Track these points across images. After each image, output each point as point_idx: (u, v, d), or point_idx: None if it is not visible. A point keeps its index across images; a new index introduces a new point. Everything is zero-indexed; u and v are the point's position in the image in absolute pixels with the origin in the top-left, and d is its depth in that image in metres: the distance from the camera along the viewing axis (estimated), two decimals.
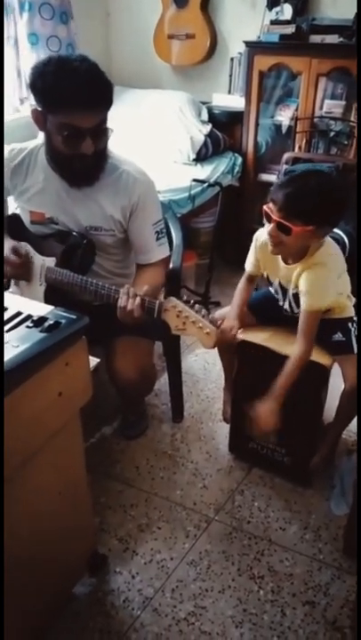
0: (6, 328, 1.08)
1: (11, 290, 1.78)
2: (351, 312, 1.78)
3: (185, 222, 2.70)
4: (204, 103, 3.26)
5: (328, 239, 1.66)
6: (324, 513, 1.80)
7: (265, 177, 3.23)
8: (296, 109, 3.01)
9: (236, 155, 3.20)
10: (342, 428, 1.89)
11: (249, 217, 3.24)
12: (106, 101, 1.49)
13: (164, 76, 3.49)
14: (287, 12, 2.86)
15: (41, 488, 1.20)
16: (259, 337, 1.80)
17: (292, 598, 1.55)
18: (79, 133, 1.47)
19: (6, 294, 1.26)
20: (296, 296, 1.70)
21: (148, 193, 1.67)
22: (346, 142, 2.89)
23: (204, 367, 2.51)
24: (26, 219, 1.74)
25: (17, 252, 1.67)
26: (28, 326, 1.08)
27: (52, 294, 1.66)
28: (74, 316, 1.12)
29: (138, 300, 1.43)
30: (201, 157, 3.04)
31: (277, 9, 2.88)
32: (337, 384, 1.78)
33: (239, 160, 3.20)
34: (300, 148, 2.95)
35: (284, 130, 3.16)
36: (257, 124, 3.10)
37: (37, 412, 1.07)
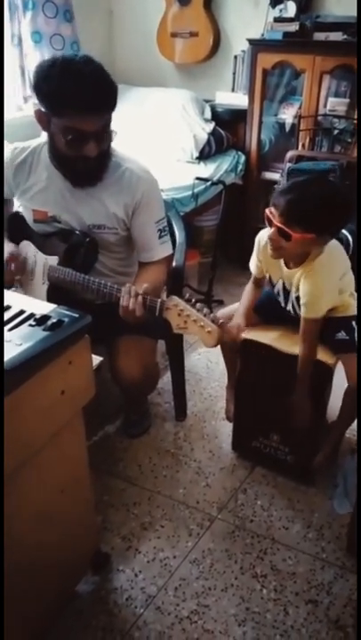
0: (9, 326, 1.08)
1: (14, 288, 1.78)
2: (355, 310, 1.77)
3: (188, 221, 2.70)
4: (207, 101, 3.26)
5: (332, 240, 1.66)
6: (327, 512, 1.79)
7: (268, 175, 3.22)
8: (300, 107, 3.00)
9: (240, 153, 3.20)
10: (346, 427, 1.88)
11: (252, 215, 3.24)
12: (110, 104, 1.49)
13: (167, 74, 3.49)
14: (291, 9, 2.85)
15: (43, 486, 1.20)
16: (262, 336, 1.80)
17: (295, 597, 1.54)
18: (83, 137, 1.47)
19: (9, 293, 1.26)
20: (298, 298, 1.70)
21: (152, 191, 1.67)
22: (350, 140, 2.88)
23: (207, 366, 2.51)
24: (29, 217, 1.74)
25: (13, 258, 1.67)
26: (30, 325, 1.08)
27: (55, 293, 1.66)
28: (76, 315, 1.12)
29: (139, 298, 1.43)
30: (204, 156, 3.04)
31: (281, 6, 2.88)
32: (340, 383, 1.78)
33: (242, 158, 3.19)
34: (303, 146, 2.94)
35: (287, 128, 3.16)
36: (260, 122, 3.10)
37: (40, 410, 1.08)
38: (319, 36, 2.76)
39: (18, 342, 1.02)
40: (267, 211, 1.57)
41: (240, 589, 1.56)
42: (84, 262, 1.66)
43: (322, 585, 1.58)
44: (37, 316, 1.10)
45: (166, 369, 2.22)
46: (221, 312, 1.94)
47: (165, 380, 2.25)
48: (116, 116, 1.53)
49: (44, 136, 1.63)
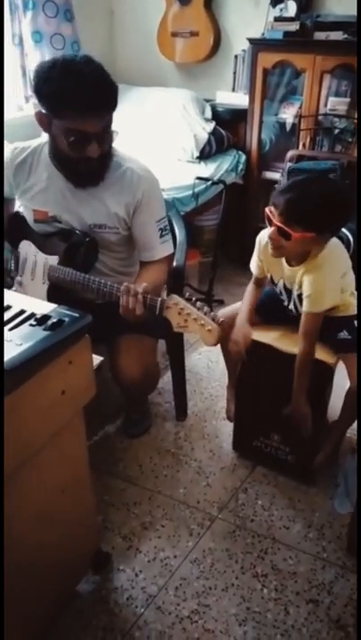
0: (10, 326, 1.08)
1: (14, 288, 1.78)
2: (356, 310, 1.77)
3: (189, 220, 2.70)
4: (207, 101, 3.26)
5: (333, 239, 1.66)
6: (327, 511, 1.79)
7: (269, 175, 3.22)
8: (300, 107, 3.00)
9: (240, 152, 3.20)
10: (347, 427, 1.88)
11: (253, 215, 3.24)
12: (111, 104, 1.49)
13: (167, 73, 3.48)
14: (291, 8, 2.85)
15: (44, 486, 1.20)
16: (263, 336, 1.80)
17: (296, 597, 1.54)
18: (85, 138, 1.47)
19: (9, 293, 1.26)
20: (300, 297, 1.70)
21: (153, 190, 1.67)
22: (350, 140, 2.88)
23: (207, 365, 2.51)
24: (29, 217, 1.74)
25: None
26: (31, 324, 1.08)
27: (55, 293, 1.66)
28: (77, 315, 1.12)
29: (139, 297, 1.43)
30: (205, 155, 3.04)
31: (281, 6, 2.88)
32: (341, 383, 1.78)
33: (243, 158, 3.19)
34: (304, 145, 2.94)
35: (288, 127, 3.15)
36: (261, 122, 3.10)
37: (40, 410, 1.08)
38: (320, 35, 2.76)
39: (18, 342, 1.02)
40: (266, 210, 1.57)
41: (241, 589, 1.56)
42: (84, 262, 1.66)
43: (323, 585, 1.57)
44: (38, 316, 1.10)
45: (167, 368, 2.22)
46: (222, 311, 1.94)
47: (166, 380, 2.25)
48: (116, 115, 1.53)
49: (44, 136, 1.63)
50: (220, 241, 2.98)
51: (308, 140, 2.93)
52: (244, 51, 3.14)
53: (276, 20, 2.88)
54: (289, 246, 1.55)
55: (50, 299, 1.61)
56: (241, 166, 3.17)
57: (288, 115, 3.13)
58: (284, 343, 1.76)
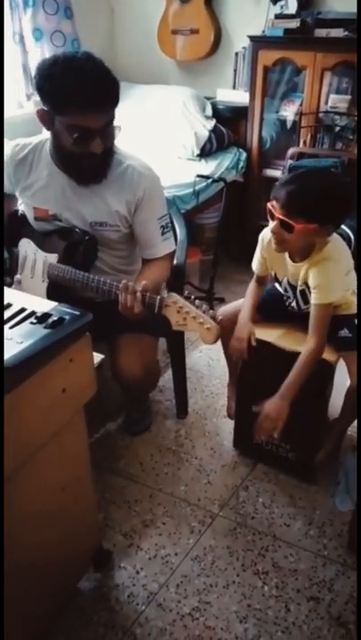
0: (10, 324, 1.08)
1: (14, 287, 1.78)
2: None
3: (189, 218, 2.70)
4: (208, 98, 3.25)
5: (335, 236, 1.65)
6: (328, 509, 1.79)
7: (270, 172, 3.22)
8: (301, 104, 2.99)
9: (241, 150, 3.19)
10: (347, 425, 1.89)
11: (253, 213, 3.23)
12: (113, 100, 1.49)
13: (168, 71, 3.48)
14: (292, 5, 2.84)
15: (45, 484, 1.21)
16: (264, 333, 1.80)
17: (297, 594, 1.55)
18: (89, 134, 1.47)
19: (10, 291, 1.26)
20: (304, 293, 1.70)
21: (154, 187, 1.67)
22: (351, 137, 2.87)
23: (208, 363, 2.51)
24: (30, 215, 1.74)
25: None
26: (32, 322, 1.08)
27: (55, 291, 1.66)
28: (77, 313, 1.12)
29: (138, 295, 1.43)
30: (205, 153, 3.03)
31: (282, 3, 2.87)
32: (342, 380, 1.78)
33: (244, 155, 3.19)
34: (305, 143, 2.93)
35: (288, 125, 3.15)
36: (261, 120, 3.09)
37: (41, 408, 1.08)
38: (320, 32, 2.75)
39: (19, 340, 1.03)
40: (268, 204, 1.56)
41: (241, 586, 1.57)
42: (83, 260, 1.66)
43: (323, 582, 1.58)
44: (38, 314, 1.10)
45: (167, 367, 2.23)
46: (223, 309, 1.94)
47: (167, 378, 2.25)
48: (117, 113, 1.53)
49: (45, 132, 1.63)
50: (221, 239, 2.98)
51: (309, 137, 2.93)
52: (244, 48, 3.13)
53: (277, 17, 2.88)
54: (292, 239, 1.55)
55: (49, 297, 1.61)
56: (242, 164, 3.17)
57: (289, 112, 3.12)
58: (285, 341, 1.76)
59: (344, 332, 1.72)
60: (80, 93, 1.41)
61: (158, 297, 1.41)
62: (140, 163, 1.66)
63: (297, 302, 1.76)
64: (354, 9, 2.66)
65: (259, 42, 2.91)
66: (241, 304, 1.88)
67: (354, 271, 1.73)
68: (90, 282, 1.56)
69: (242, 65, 3.20)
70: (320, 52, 2.74)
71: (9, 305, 1.15)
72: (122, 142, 1.67)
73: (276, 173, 3.10)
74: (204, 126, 3.04)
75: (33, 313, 1.11)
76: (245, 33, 2.98)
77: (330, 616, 1.49)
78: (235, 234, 3.27)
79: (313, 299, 1.63)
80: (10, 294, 1.21)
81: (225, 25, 3.21)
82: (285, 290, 1.79)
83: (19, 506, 1.12)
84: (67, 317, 1.10)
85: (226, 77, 3.31)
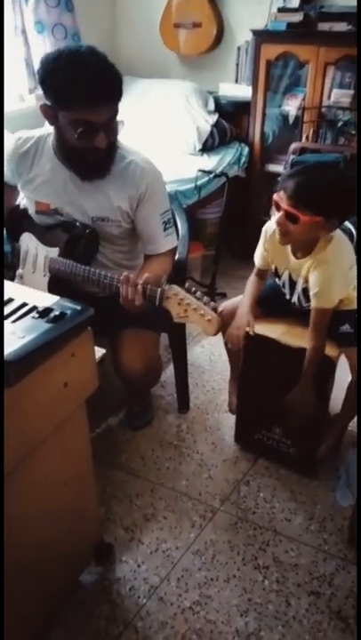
0: (12, 319, 1.08)
1: (16, 281, 1.78)
2: None
3: (191, 213, 2.69)
4: (210, 93, 3.24)
5: (338, 232, 1.65)
6: (329, 504, 1.80)
7: (272, 167, 3.20)
8: (303, 99, 2.98)
9: (243, 145, 3.18)
10: (349, 420, 1.89)
11: (256, 208, 3.23)
12: (117, 95, 1.48)
13: (170, 65, 3.46)
14: None
15: (46, 478, 1.21)
16: (265, 329, 1.80)
17: (297, 588, 1.55)
18: (92, 129, 1.46)
19: (12, 285, 1.26)
20: (305, 290, 1.70)
21: (156, 182, 1.67)
22: (354, 132, 2.86)
23: (209, 358, 2.51)
24: (31, 208, 1.74)
25: None
26: (33, 317, 1.08)
27: (56, 285, 1.66)
28: (79, 307, 1.12)
29: (139, 288, 1.43)
30: (207, 148, 3.03)
31: None
32: (343, 375, 1.78)
33: (246, 150, 3.17)
34: (307, 138, 2.92)
35: (291, 120, 3.14)
36: (264, 114, 3.08)
37: (43, 402, 1.08)
38: (323, 26, 2.74)
39: (21, 334, 1.03)
40: (275, 195, 1.56)
41: (242, 580, 1.57)
42: (84, 254, 1.66)
43: (324, 576, 1.58)
44: (40, 309, 1.10)
45: (169, 362, 2.23)
46: (224, 304, 1.94)
47: (168, 373, 2.25)
48: (120, 107, 1.52)
49: (47, 126, 1.62)
50: (223, 234, 2.97)
51: (312, 132, 2.92)
52: (247, 42, 3.11)
53: (280, 10, 2.86)
54: (296, 231, 1.54)
55: (51, 291, 1.61)
56: (244, 159, 3.16)
57: (291, 107, 3.11)
58: (287, 336, 1.76)
59: (346, 328, 1.72)
60: (84, 88, 1.40)
61: (159, 289, 1.41)
62: (142, 158, 1.66)
63: (298, 299, 1.76)
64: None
65: (261, 36, 2.90)
66: (242, 299, 1.88)
67: (355, 266, 1.73)
68: (91, 275, 1.56)
69: (244, 59, 3.18)
70: (323, 46, 2.73)
71: (11, 299, 1.15)
72: (124, 136, 1.66)
73: (279, 168, 3.09)
74: (207, 121, 3.03)
75: (35, 307, 1.11)
76: (248, 27, 2.96)
77: (330, 610, 1.50)
78: (236, 229, 3.26)
79: (314, 302, 1.65)
80: (12, 289, 1.20)
81: (228, 18, 3.20)
82: (283, 285, 1.79)
83: (20, 500, 1.13)
84: (68, 312, 1.10)
85: (228, 71, 3.30)
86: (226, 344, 2.04)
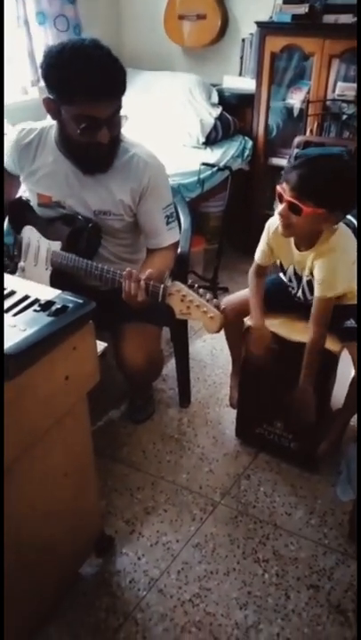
0: (14, 312, 1.08)
1: (17, 274, 1.78)
2: None
3: (194, 206, 2.68)
4: (214, 85, 3.22)
5: (342, 225, 1.64)
6: (330, 498, 1.80)
7: (275, 161, 3.19)
8: (308, 92, 2.96)
9: (247, 138, 3.16)
10: (350, 416, 1.89)
11: (259, 202, 3.22)
12: (120, 89, 1.47)
13: (174, 57, 3.44)
14: None
15: (48, 471, 1.21)
16: (268, 323, 1.79)
17: (297, 582, 1.56)
18: (95, 124, 1.45)
19: (14, 278, 1.26)
20: (310, 283, 1.69)
21: (159, 176, 1.66)
22: None
23: (211, 353, 2.51)
24: (34, 200, 1.73)
25: None
26: (35, 310, 1.08)
27: (58, 279, 1.66)
28: (81, 301, 1.11)
29: (142, 283, 1.43)
30: (211, 141, 3.01)
31: None
32: (345, 371, 1.78)
33: (249, 144, 3.16)
34: (311, 131, 2.90)
35: (295, 113, 3.11)
36: (268, 107, 3.06)
37: (44, 395, 1.08)
38: (329, 18, 2.71)
39: (22, 328, 1.03)
40: (278, 187, 1.55)
41: (242, 574, 1.58)
42: (87, 248, 1.66)
43: (323, 570, 1.59)
44: (42, 302, 1.10)
45: (171, 356, 2.23)
46: (227, 299, 1.94)
47: (170, 367, 2.25)
48: (123, 100, 1.51)
49: (50, 118, 1.61)
50: (226, 228, 2.96)
51: (316, 125, 2.90)
52: (251, 34, 3.09)
53: (285, 2, 2.83)
54: (299, 223, 1.53)
55: (53, 285, 1.61)
56: (247, 152, 3.14)
57: (296, 100, 3.09)
58: (289, 331, 1.76)
59: (350, 323, 1.71)
60: (87, 82, 1.39)
61: (162, 285, 1.41)
62: (145, 151, 1.65)
63: (303, 292, 1.75)
64: None
65: (266, 28, 2.87)
66: (245, 294, 1.87)
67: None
68: (93, 270, 1.56)
69: (249, 51, 3.15)
70: (328, 39, 2.70)
71: (13, 292, 1.15)
72: (127, 128, 1.65)
73: (282, 162, 3.08)
74: (210, 114, 3.01)
75: (36, 300, 1.11)
76: (253, 19, 2.93)
77: (329, 604, 1.50)
78: (239, 223, 3.25)
79: (317, 291, 1.62)
80: (13, 281, 1.20)
81: (232, 10, 3.17)
82: (290, 280, 1.78)
83: (21, 493, 1.13)
84: (70, 305, 1.10)
85: (232, 64, 3.27)
86: (228, 339, 2.04)
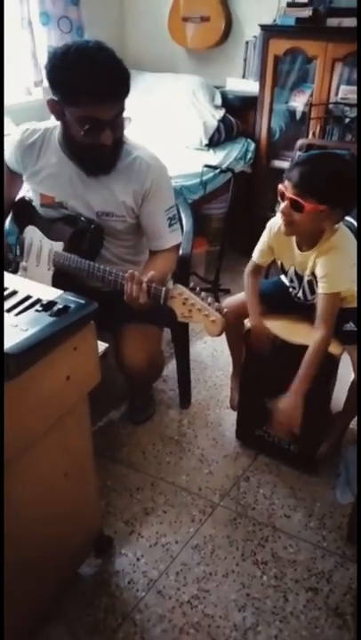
0: (15, 311, 1.09)
1: (19, 274, 1.78)
2: None
3: (196, 208, 2.68)
4: (217, 87, 3.23)
5: (343, 227, 1.65)
6: (329, 501, 1.80)
7: (278, 163, 3.19)
8: (311, 95, 2.96)
9: (249, 140, 3.17)
10: (350, 419, 1.89)
11: (261, 204, 3.22)
12: (124, 91, 1.48)
13: (178, 59, 3.45)
14: None
15: (47, 470, 1.22)
16: (268, 325, 1.80)
17: (295, 584, 1.56)
18: (99, 125, 1.46)
19: (16, 278, 1.26)
20: (311, 283, 1.69)
21: (161, 178, 1.66)
22: None
23: (212, 354, 2.51)
24: (37, 201, 1.74)
25: None
26: (37, 310, 1.09)
27: (60, 280, 1.66)
28: (83, 301, 1.12)
29: (144, 286, 1.43)
30: (213, 143, 3.02)
31: None
32: (345, 373, 1.78)
33: (252, 146, 3.17)
34: (314, 134, 2.91)
35: (298, 116, 3.12)
36: (271, 110, 3.07)
37: (45, 395, 1.08)
38: (332, 21, 2.72)
39: (24, 327, 1.03)
40: (280, 185, 1.56)
41: (241, 575, 1.58)
42: (89, 249, 1.66)
43: (322, 573, 1.59)
44: (44, 302, 1.10)
45: (172, 357, 2.23)
46: (227, 301, 1.94)
47: (170, 368, 2.25)
48: (126, 101, 1.52)
49: (54, 119, 1.62)
50: (228, 230, 2.96)
51: (319, 128, 2.90)
52: (255, 37, 3.10)
53: (289, 5, 2.85)
54: (301, 221, 1.54)
55: (55, 285, 1.61)
56: (250, 154, 3.15)
57: (298, 103, 3.10)
58: (289, 333, 1.76)
59: (350, 326, 1.71)
60: (92, 84, 1.40)
61: (164, 288, 1.41)
62: (148, 153, 1.66)
63: (303, 292, 1.75)
64: None
65: (270, 30, 2.88)
66: (244, 296, 1.87)
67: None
68: (95, 271, 1.56)
69: (252, 54, 3.17)
70: (331, 42, 2.71)
71: (14, 292, 1.15)
72: (130, 130, 1.66)
73: (285, 165, 3.08)
74: (213, 116, 3.02)
75: (38, 300, 1.12)
76: (256, 21, 2.94)
77: (327, 607, 1.50)
78: (241, 225, 3.25)
79: (321, 288, 1.62)
80: (15, 281, 1.21)
81: (236, 13, 3.18)
82: (291, 280, 1.79)
83: (21, 493, 1.14)
84: (72, 306, 1.10)
85: (236, 66, 3.28)
86: (228, 341, 2.04)
